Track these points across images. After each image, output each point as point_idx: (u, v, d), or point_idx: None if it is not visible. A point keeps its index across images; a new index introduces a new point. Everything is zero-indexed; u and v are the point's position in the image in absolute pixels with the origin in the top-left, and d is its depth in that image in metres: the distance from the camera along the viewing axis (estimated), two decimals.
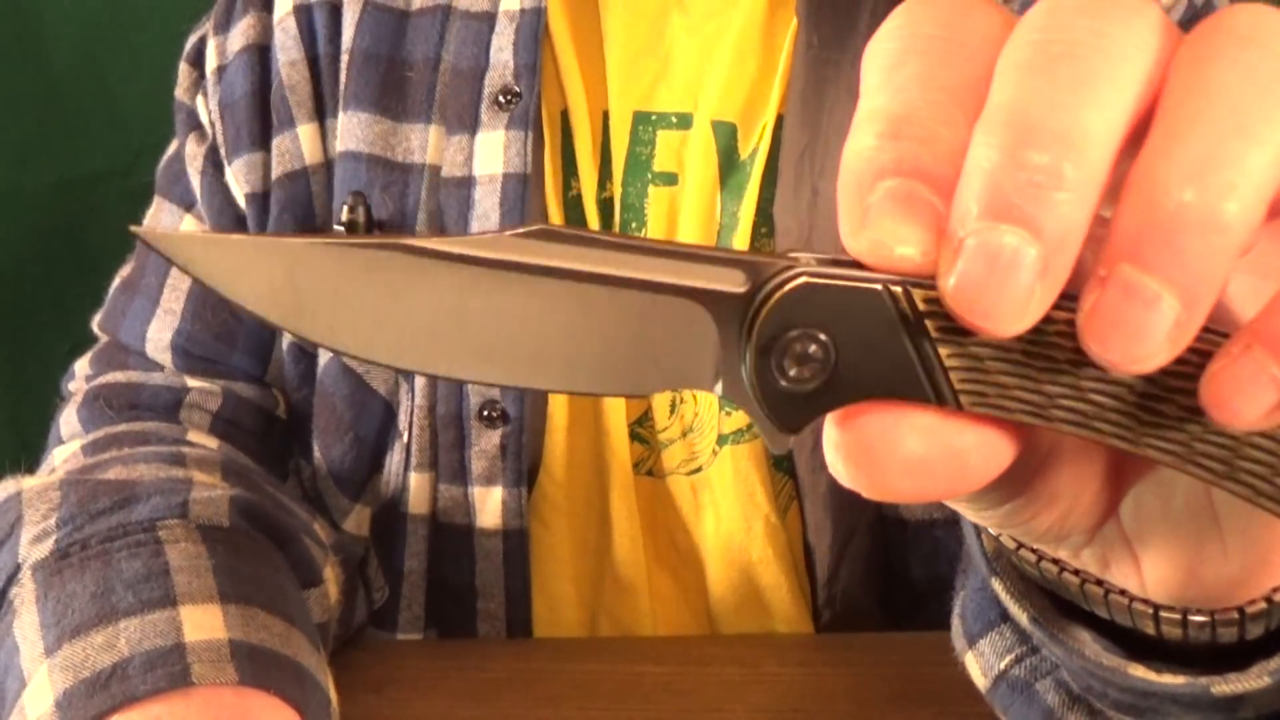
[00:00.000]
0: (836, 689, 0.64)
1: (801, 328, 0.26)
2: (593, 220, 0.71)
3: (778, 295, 0.26)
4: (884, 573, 0.70)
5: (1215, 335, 0.25)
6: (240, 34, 0.77)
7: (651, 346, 0.27)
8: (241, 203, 0.75)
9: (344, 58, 0.74)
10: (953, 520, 0.68)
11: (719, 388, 0.27)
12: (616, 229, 0.71)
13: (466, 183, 0.71)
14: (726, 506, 0.71)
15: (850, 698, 0.63)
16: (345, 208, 0.72)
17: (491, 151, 0.71)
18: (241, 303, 0.27)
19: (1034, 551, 0.35)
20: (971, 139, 0.25)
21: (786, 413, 0.27)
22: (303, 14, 0.76)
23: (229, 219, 0.76)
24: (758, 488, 0.70)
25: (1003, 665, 0.44)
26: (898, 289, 0.25)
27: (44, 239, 1.21)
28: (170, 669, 0.51)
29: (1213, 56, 0.25)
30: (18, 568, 0.57)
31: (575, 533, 0.74)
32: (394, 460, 0.73)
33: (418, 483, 0.73)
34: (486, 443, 0.71)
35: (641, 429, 0.73)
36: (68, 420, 0.74)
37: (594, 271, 0.26)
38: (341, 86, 0.74)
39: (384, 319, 0.27)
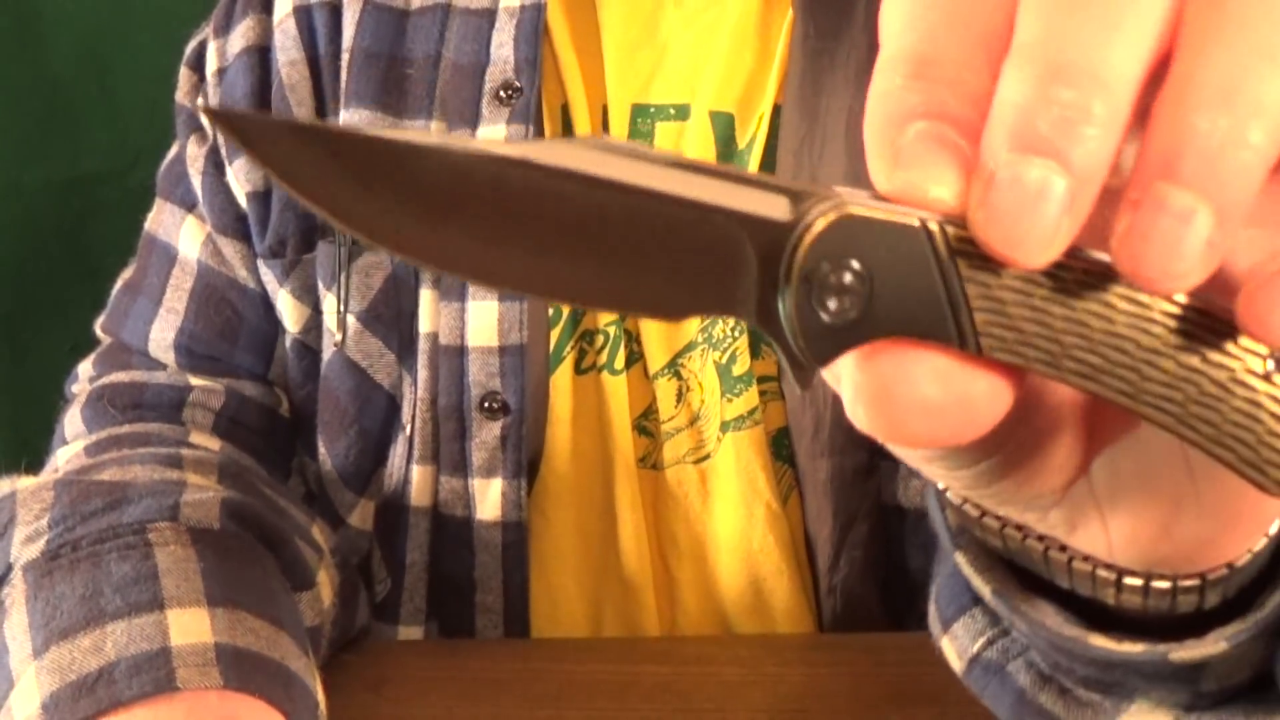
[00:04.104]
0: (836, 689, 0.64)
1: (841, 258, 0.26)
2: None
3: (821, 224, 0.26)
4: (884, 562, 0.70)
5: (1224, 309, 0.26)
6: (240, 36, 0.77)
7: (690, 268, 0.27)
8: (243, 202, 0.76)
9: (344, 57, 0.75)
10: None
11: (753, 315, 0.27)
12: None
13: None
14: (729, 493, 0.71)
15: (850, 698, 0.63)
16: None
17: None
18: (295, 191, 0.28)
19: (997, 519, 0.35)
20: (1001, 75, 0.25)
21: (819, 344, 0.27)
22: (302, 15, 0.76)
23: (230, 218, 0.76)
24: (759, 474, 0.70)
25: (975, 648, 0.44)
26: (934, 225, 0.26)
27: (44, 239, 1.22)
28: (155, 673, 0.51)
29: None
30: (9, 567, 0.57)
31: (578, 526, 0.74)
32: (397, 453, 0.74)
33: (420, 475, 0.73)
34: (487, 434, 0.71)
35: (646, 421, 0.73)
36: (71, 421, 0.75)
37: (640, 185, 0.27)
38: (342, 85, 0.74)
39: (434, 219, 0.27)
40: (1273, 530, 0.33)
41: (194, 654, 0.52)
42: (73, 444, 0.72)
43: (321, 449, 0.75)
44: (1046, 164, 0.24)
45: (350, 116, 0.73)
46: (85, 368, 0.78)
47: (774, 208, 0.27)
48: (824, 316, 0.27)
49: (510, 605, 0.73)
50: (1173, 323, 0.26)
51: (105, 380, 0.76)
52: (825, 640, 0.71)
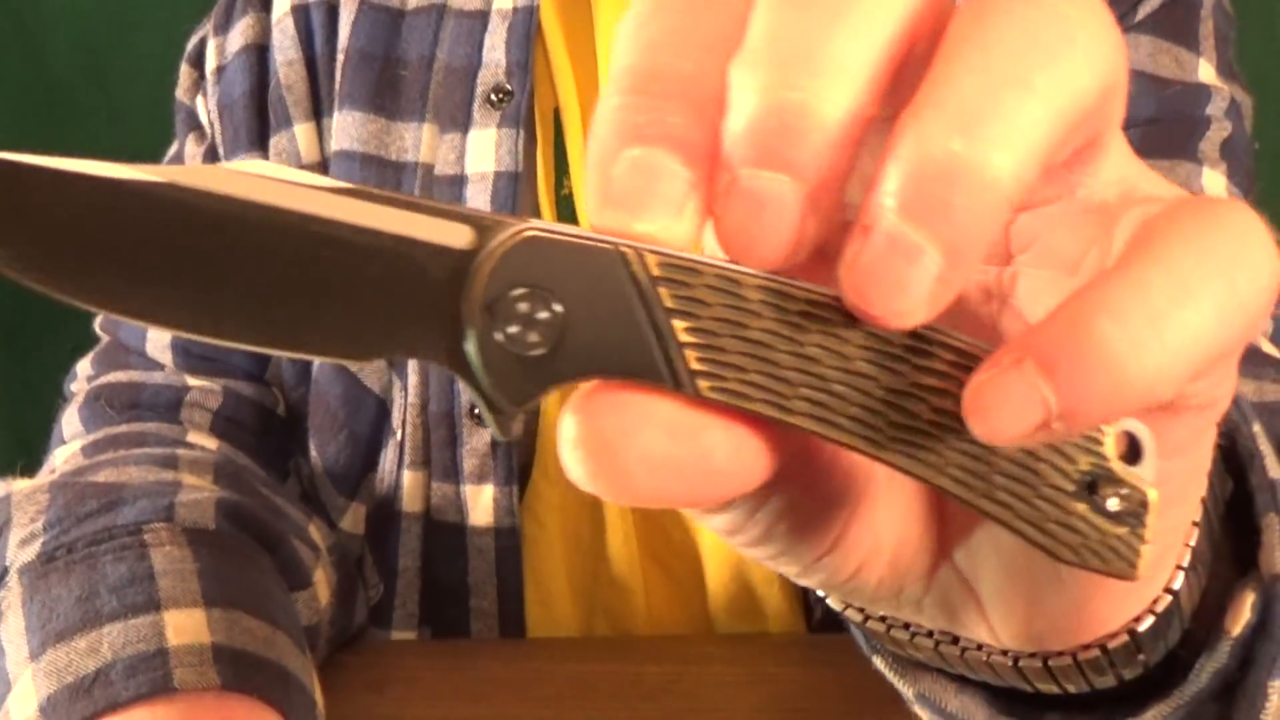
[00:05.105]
0: (835, 689, 0.63)
1: (528, 286, 0.24)
2: (584, 219, 0.71)
3: (501, 249, 0.24)
4: None
5: (973, 344, 0.23)
6: (239, 34, 0.77)
7: (367, 306, 0.24)
8: None
9: (340, 57, 0.74)
10: None
11: (443, 356, 0.25)
12: None
13: (458, 181, 0.71)
14: None
15: (849, 698, 0.62)
16: None
17: (483, 150, 0.70)
18: None
19: (881, 620, 0.33)
20: (728, 80, 0.23)
21: (512, 382, 0.24)
22: (300, 14, 0.76)
23: None
24: None
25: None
26: (629, 250, 0.23)
27: None
28: (153, 674, 0.51)
29: (995, 9, 0.23)
30: (5, 570, 0.57)
31: (569, 530, 0.74)
32: (388, 458, 0.73)
33: (411, 480, 0.73)
34: (478, 441, 0.71)
35: None
36: (69, 420, 0.74)
37: (304, 210, 0.24)
38: (337, 86, 0.74)
39: (78, 251, 0.25)
40: (1176, 585, 0.30)
41: (191, 654, 0.52)
42: (70, 444, 0.72)
43: (313, 451, 0.75)
44: (776, 176, 0.22)
45: (344, 118, 0.73)
46: (83, 366, 0.78)
47: (455, 236, 0.24)
48: (512, 351, 0.24)
49: (505, 609, 0.73)
50: (924, 359, 0.23)
51: (103, 380, 0.75)
52: (824, 640, 0.70)
